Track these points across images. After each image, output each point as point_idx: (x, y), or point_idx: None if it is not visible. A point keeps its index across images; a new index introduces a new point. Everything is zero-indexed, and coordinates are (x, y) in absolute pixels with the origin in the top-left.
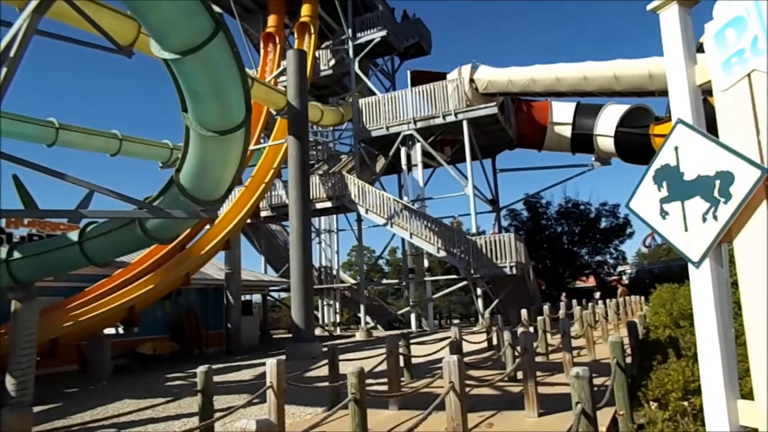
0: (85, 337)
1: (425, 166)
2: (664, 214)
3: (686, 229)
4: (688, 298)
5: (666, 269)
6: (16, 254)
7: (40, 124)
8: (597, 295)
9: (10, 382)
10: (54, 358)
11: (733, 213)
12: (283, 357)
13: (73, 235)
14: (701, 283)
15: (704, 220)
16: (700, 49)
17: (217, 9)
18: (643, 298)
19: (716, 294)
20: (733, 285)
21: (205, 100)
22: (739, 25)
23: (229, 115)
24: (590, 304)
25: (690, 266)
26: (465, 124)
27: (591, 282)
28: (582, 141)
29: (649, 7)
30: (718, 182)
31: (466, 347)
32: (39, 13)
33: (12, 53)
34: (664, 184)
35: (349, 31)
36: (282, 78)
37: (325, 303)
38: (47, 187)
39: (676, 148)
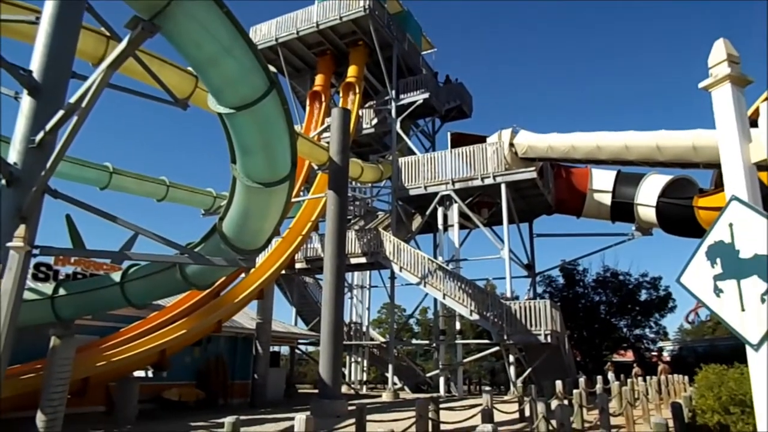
0: (115, 378)
1: (461, 227)
2: (718, 291)
3: (743, 309)
4: (739, 383)
5: (711, 348)
6: (62, 291)
7: (97, 168)
8: (637, 370)
9: (40, 418)
10: (83, 397)
11: None
12: (308, 413)
13: (116, 276)
14: (761, 367)
15: (763, 300)
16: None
17: (270, 68)
18: (686, 377)
19: None
20: None
21: (254, 152)
22: None
23: (275, 168)
24: (629, 380)
25: (748, 348)
26: (503, 187)
27: (629, 356)
28: (622, 209)
29: (701, 85)
30: None
31: (497, 416)
32: (113, 68)
33: (84, 104)
34: (718, 260)
35: (393, 92)
36: (325, 134)
37: (352, 360)
38: (85, 228)
39: (730, 225)
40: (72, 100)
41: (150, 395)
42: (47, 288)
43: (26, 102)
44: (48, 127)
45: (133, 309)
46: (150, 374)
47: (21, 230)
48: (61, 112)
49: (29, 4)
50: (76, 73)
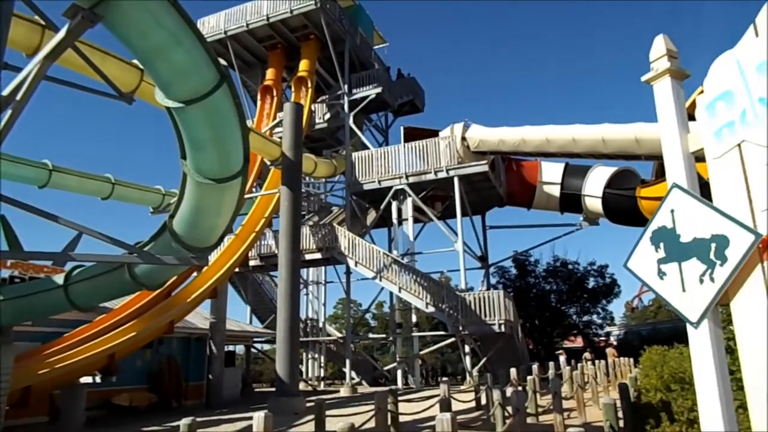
0: (60, 385)
1: (416, 220)
2: (661, 274)
3: (684, 290)
4: (679, 361)
5: (654, 331)
6: None
7: (34, 165)
8: (587, 355)
9: None
10: (25, 408)
11: (729, 276)
12: (266, 411)
13: (59, 279)
14: (700, 344)
15: (701, 281)
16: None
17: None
18: (632, 360)
19: (715, 354)
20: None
21: (205, 148)
22: (728, 98)
23: (227, 163)
24: (579, 365)
25: (689, 327)
26: (456, 180)
27: (579, 342)
28: (570, 201)
29: (644, 78)
30: (713, 245)
31: (455, 406)
32: (50, 60)
33: (18, 97)
34: (661, 245)
35: (345, 87)
36: (278, 129)
37: (309, 356)
38: (23, 230)
39: (672, 211)
40: (5, 92)
41: (98, 401)
42: None
43: None
44: None
45: (79, 312)
46: (98, 380)
47: None
48: None
49: None
50: (8, 64)
